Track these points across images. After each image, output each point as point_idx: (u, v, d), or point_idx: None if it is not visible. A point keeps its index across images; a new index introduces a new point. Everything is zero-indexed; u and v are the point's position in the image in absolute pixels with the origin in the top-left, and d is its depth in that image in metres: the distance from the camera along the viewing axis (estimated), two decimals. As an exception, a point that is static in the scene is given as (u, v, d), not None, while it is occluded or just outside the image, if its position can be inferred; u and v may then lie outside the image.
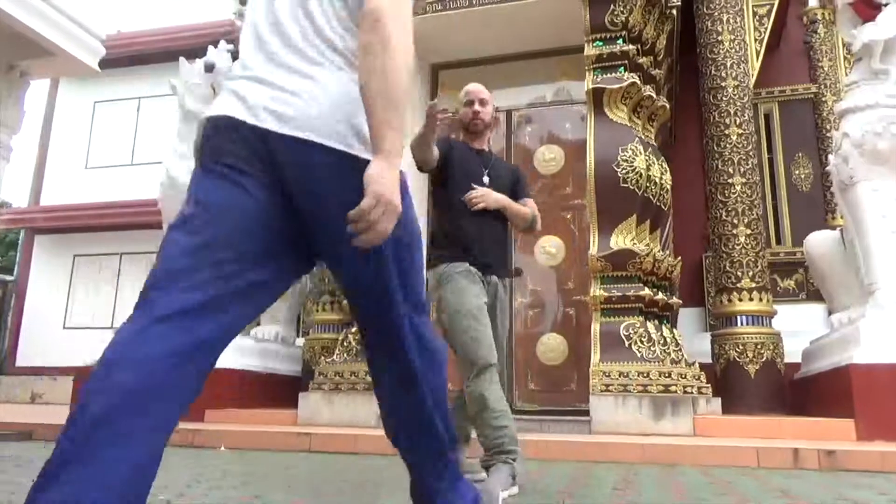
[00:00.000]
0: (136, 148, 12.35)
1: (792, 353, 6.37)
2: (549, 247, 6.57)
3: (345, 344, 6.03)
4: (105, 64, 6.62)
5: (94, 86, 12.30)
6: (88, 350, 7.40)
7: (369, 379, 5.67)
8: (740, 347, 5.99)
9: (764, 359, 5.93)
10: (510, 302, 6.54)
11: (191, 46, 9.58)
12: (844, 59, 8.48)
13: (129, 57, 11.73)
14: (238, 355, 6.59)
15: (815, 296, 8.07)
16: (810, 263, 6.58)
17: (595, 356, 5.33)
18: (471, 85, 3.19)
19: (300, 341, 7.90)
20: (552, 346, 6.35)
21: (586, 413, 5.22)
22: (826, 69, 8.33)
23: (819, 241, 6.38)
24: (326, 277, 7.24)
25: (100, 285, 12.04)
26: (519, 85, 6.96)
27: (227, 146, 1.33)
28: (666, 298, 5.66)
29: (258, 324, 7.62)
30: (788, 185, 8.36)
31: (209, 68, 6.95)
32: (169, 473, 3.09)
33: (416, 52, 7.13)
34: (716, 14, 6.65)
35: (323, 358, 6.32)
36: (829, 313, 7.78)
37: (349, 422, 5.57)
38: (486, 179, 3.00)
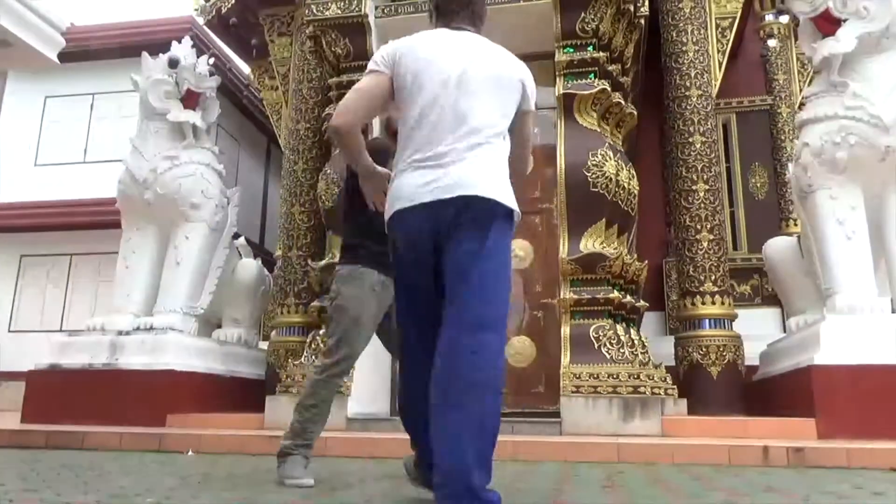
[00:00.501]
0: (89, 145, 11.97)
1: (749, 356, 6.55)
2: (518, 250, 6.60)
3: (313, 346, 5.94)
4: (58, 57, 6.39)
5: (45, 80, 11.86)
6: (36, 353, 7.16)
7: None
8: (703, 350, 6.14)
9: (726, 361, 6.08)
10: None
11: (149, 42, 9.33)
12: (798, 72, 8.81)
13: (83, 51, 11.36)
14: (200, 358, 6.45)
15: (770, 300, 8.34)
16: (769, 269, 6.79)
17: (565, 358, 5.38)
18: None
19: (263, 344, 7.77)
20: (520, 348, 6.38)
21: (556, 415, 5.27)
22: (781, 82, 8.62)
23: (778, 248, 6.60)
24: (292, 279, 7.14)
25: (48, 287, 11.61)
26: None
27: None
28: (633, 301, 5.75)
29: (219, 326, 7.47)
30: (745, 193, 8.62)
31: (173, 64, 6.78)
32: (148, 477, 2.99)
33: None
34: (681, 25, 6.82)
35: (290, 360, 6.22)
36: (785, 317, 8.07)
37: (318, 425, 5.49)
38: None
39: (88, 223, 10.84)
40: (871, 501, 2.41)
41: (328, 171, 6.26)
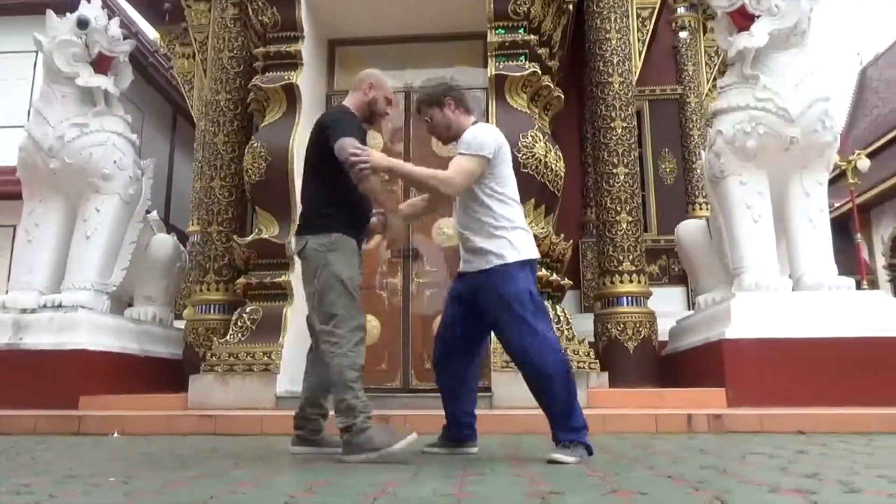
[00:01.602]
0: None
1: (659, 332, 6.92)
2: (446, 228, 6.66)
3: (239, 324, 5.78)
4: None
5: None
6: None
7: (266, 360, 5.57)
8: (621, 326, 6.43)
9: (642, 336, 6.40)
10: (407, 282, 6.60)
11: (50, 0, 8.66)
12: (706, 64, 9.30)
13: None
14: (114, 338, 6.14)
15: (676, 280, 8.84)
16: (679, 249, 7.19)
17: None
18: (393, 93, 3.35)
19: (178, 323, 7.47)
20: (448, 325, 6.46)
21: (486, 389, 5.39)
22: (690, 72, 9.07)
23: (688, 230, 6.99)
24: (212, 255, 6.89)
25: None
26: (417, 67, 6.97)
27: None
28: (559, 280, 5.95)
29: (130, 304, 7.12)
30: (656, 178, 9.04)
31: (83, 25, 6.33)
32: (89, 460, 2.85)
33: (313, 26, 6.94)
34: (604, 13, 7.03)
35: (215, 338, 6.03)
36: (690, 296, 8.57)
37: (244, 404, 5.36)
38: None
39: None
40: (797, 458, 2.64)
41: (255, 144, 6.06)
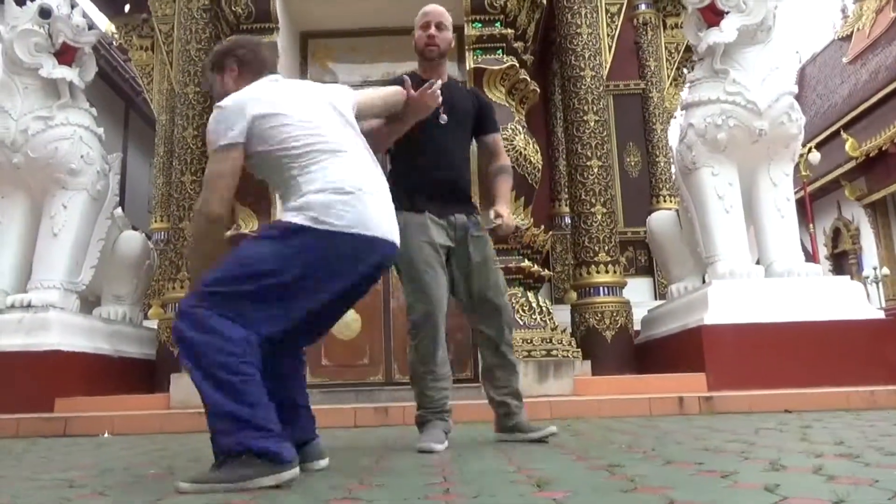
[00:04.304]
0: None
1: (632, 321, 7.10)
2: (425, 222, 6.68)
3: (220, 321, 5.67)
4: None
5: None
6: None
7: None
8: (598, 315, 6.56)
9: (619, 325, 6.55)
10: (387, 276, 6.57)
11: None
12: (667, 60, 9.54)
13: None
14: (86, 338, 5.94)
15: (643, 271, 9.05)
16: (651, 240, 7.37)
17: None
18: (428, 6, 2.93)
19: (147, 322, 7.28)
20: (429, 318, 6.48)
21: (472, 380, 5.43)
22: (652, 68, 9.29)
23: (659, 221, 7.18)
24: (184, 253, 6.73)
25: None
26: (392, 60, 6.95)
27: None
28: (540, 270, 6.04)
29: (97, 304, 6.90)
30: (621, 171, 9.23)
31: (45, 14, 6.09)
32: (98, 459, 2.77)
33: (286, 17, 6.82)
34: (575, 7, 7.14)
35: (195, 336, 5.88)
36: (657, 286, 8.80)
37: (229, 402, 5.27)
38: (443, 119, 2.80)
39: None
40: (804, 431, 2.77)
41: (231, 138, 5.93)
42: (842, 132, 18.86)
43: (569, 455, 2.22)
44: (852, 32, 22.85)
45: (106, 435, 4.09)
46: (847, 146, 17.75)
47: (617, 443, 2.60)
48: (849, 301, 5.59)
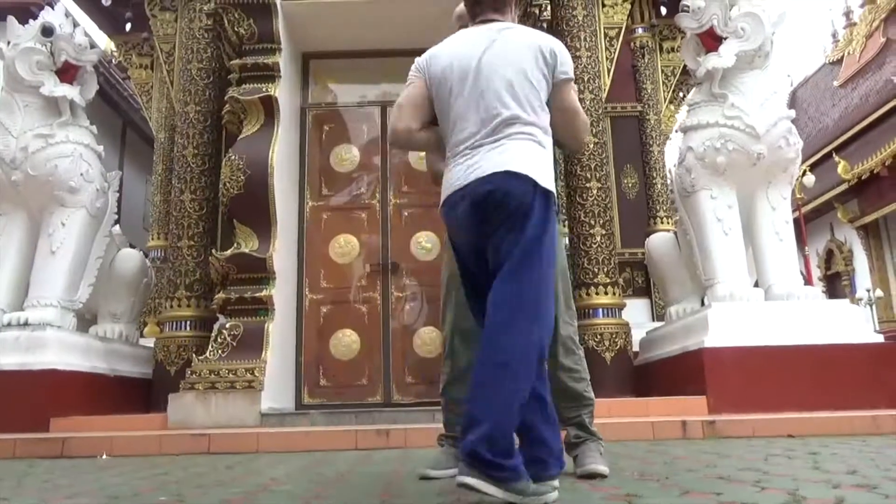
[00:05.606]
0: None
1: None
2: (425, 241, 6.70)
3: (219, 340, 5.64)
4: None
5: None
6: None
7: (249, 376, 5.47)
8: (598, 337, 6.55)
9: (618, 347, 6.54)
10: (386, 295, 6.57)
11: (9, 7, 8.32)
12: (663, 83, 9.62)
13: None
14: (83, 357, 5.88)
15: (640, 292, 9.03)
16: (649, 262, 7.39)
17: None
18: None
19: (144, 341, 7.21)
20: (428, 339, 6.48)
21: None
22: (649, 91, 9.37)
23: (658, 243, 7.20)
24: (182, 271, 6.70)
25: None
26: (391, 81, 7.01)
27: None
28: (540, 292, 6.03)
29: (93, 322, 6.84)
30: (619, 193, 9.26)
31: (48, 32, 6.11)
32: (108, 480, 2.73)
33: (289, 38, 6.90)
34: (574, 31, 7.21)
35: (194, 356, 5.85)
36: (654, 308, 8.80)
37: (228, 422, 5.22)
38: None
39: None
40: (814, 458, 2.76)
41: (233, 157, 5.95)
42: (834, 155, 19.05)
43: (582, 484, 2.21)
44: (843, 56, 23.17)
45: (104, 456, 4.04)
46: (839, 169, 17.93)
47: (627, 469, 2.59)
48: (848, 324, 5.61)
